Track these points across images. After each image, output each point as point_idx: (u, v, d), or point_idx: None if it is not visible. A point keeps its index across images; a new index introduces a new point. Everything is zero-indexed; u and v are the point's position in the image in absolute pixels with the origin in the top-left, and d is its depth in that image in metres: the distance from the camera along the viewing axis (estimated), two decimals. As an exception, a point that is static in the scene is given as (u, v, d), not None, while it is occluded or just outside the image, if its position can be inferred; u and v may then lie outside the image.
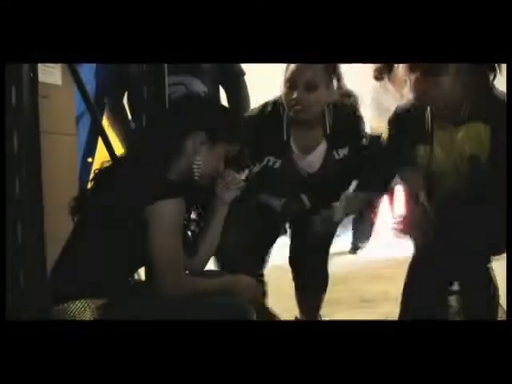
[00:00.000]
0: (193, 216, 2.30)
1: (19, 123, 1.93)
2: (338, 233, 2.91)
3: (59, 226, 2.68)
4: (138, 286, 2.21)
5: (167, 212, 2.05)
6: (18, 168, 1.93)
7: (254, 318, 2.15)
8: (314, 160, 2.74)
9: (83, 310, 2.03)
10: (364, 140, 2.79)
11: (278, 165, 2.69)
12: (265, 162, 2.65)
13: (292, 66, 2.65)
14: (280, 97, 2.69)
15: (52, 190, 2.44)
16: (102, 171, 2.22)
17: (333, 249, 2.95)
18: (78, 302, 2.04)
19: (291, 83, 2.63)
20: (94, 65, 3.17)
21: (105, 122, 3.22)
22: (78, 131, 3.08)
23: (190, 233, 2.29)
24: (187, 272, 2.25)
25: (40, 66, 2.34)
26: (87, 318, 2.02)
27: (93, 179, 2.21)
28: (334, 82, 2.68)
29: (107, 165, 2.25)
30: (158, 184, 2.08)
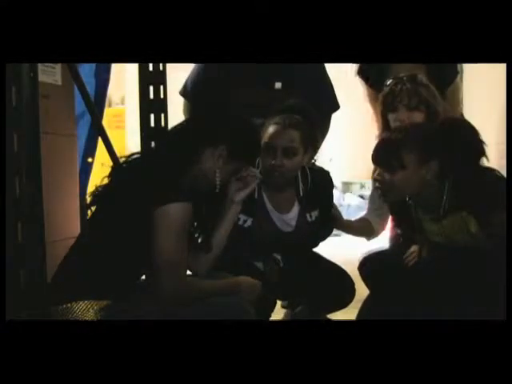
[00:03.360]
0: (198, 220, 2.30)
1: (19, 123, 1.93)
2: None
3: (59, 225, 2.69)
4: (140, 287, 2.21)
5: (173, 215, 2.05)
6: (17, 168, 1.93)
7: (254, 318, 2.16)
8: (289, 220, 2.73)
9: (86, 310, 2.04)
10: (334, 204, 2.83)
11: (249, 223, 2.67)
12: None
13: (271, 130, 2.62)
14: None
15: (52, 190, 2.45)
16: (113, 172, 2.23)
17: (331, 249, 2.95)
18: (81, 302, 2.04)
19: (270, 148, 2.60)
20: (93, 65, 3.17)
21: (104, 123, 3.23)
22: (78, 131, 3.09)
23: (198, 234, 2.29)
24: (191, 273, 2.25)
25: (40, 65, 2.34)
26: (90, 319, 2.03)
27: (104, 180, 2.21)
28: (311, 149, 2.68)
29: (119, 165, 2.25)
30: (169, 187, 2.08)
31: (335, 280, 2.73)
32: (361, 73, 3.28)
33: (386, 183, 2.35)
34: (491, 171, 2.40)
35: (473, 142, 2.38)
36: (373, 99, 3.30)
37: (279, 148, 2.60)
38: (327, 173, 2.84)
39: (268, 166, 2.61)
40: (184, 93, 3.17)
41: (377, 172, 2.37)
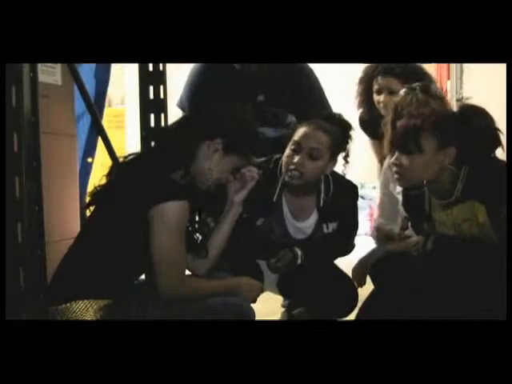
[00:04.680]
0: (197, 219, 2.29)
1: (19, 123, 1.93)
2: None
3: (59, 225, 2.69)
4: (140, 287, 2.21)
5: (170, 213, 2.05)
6: (17, 168, 1.93)
7: (254, 318, 2.16)
8: (305, 228, 2.72)
9: (85, 310, 2.04)
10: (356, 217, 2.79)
11: (259, 222, 2.66)
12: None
13: (302, 130, 2.62)
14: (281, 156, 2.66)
15: (52, 189, 2.45)
16: (111, 171, 2.23)
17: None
18: (80, 302, 2.05)
19: (296, 146, 2.60)
20: (93, 65, 3.17)
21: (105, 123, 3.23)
22: (78, 131, 3.09)
23: (196, 235, 2.29)
24: (190, 273, 2.25)
25: (40, 65, 2.34)
26: (89, 319, 2.03)
27: (102, 180, 2.21)
28: (338, 157, 2.67)
29: (117, 164, 2.26)
30: (165, 185, 2.08)
31: (340, 289, 2.70)
32: (362, 126, 3.32)
33: (404, 167, 2.37)
34: (505, 165, 2.41)
35: (490, 130, 2.40)
36: (376, 147, 3.34)
37: (305, 147, 2.59)
38: (355, 187, 2.80)
39: (290, 164, 2.60)
40: (181, 106, 3.20)
41: (395, 156, 2.39)
